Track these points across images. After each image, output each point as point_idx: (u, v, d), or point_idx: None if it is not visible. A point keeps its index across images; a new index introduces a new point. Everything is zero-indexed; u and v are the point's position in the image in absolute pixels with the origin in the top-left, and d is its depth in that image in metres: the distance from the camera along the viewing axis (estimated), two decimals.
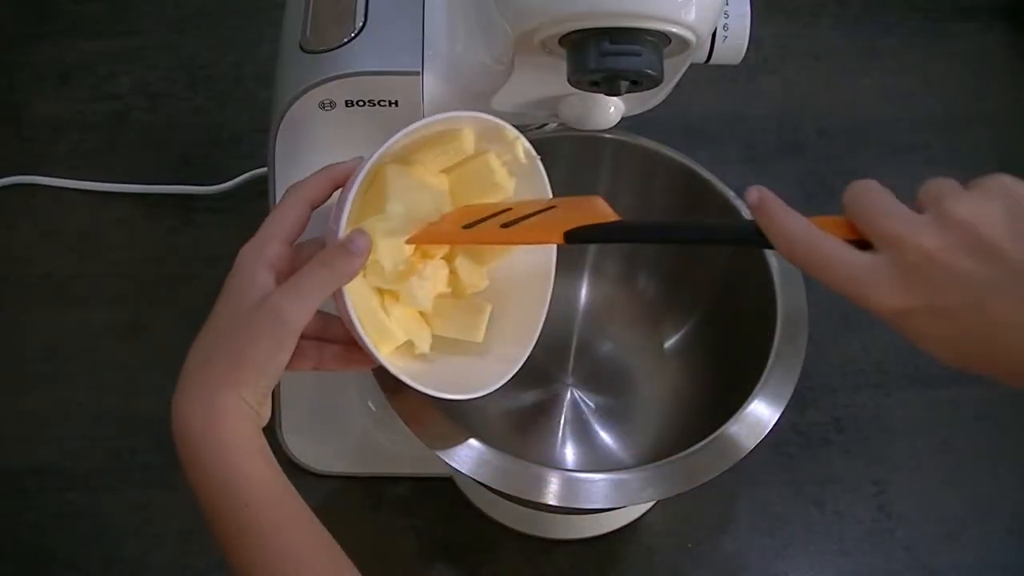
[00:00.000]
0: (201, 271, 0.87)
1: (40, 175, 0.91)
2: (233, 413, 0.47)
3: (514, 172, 0.56)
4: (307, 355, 0.52)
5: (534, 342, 0.59)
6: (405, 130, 0.50)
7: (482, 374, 0.57)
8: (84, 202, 0.91)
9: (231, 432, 0.47)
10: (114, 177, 0.91)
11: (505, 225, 0.51)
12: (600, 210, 0.52)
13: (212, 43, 1.01)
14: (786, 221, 0.44)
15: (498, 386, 0.56)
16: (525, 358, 0.58)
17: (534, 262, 0.59)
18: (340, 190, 0.52)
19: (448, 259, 0.57)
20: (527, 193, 0.57)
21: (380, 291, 0.54)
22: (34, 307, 0.85)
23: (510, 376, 0.57)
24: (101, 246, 0.88)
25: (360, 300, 0.51)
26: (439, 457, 0.58)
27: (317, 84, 0.54)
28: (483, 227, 0.51)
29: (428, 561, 0.74)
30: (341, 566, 0.48)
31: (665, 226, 0.52)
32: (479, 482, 0.57)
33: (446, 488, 0.76)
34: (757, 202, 0.45)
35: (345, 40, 0.55)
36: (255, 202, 0.90)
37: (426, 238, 0.53)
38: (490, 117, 0.53)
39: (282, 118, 0.56)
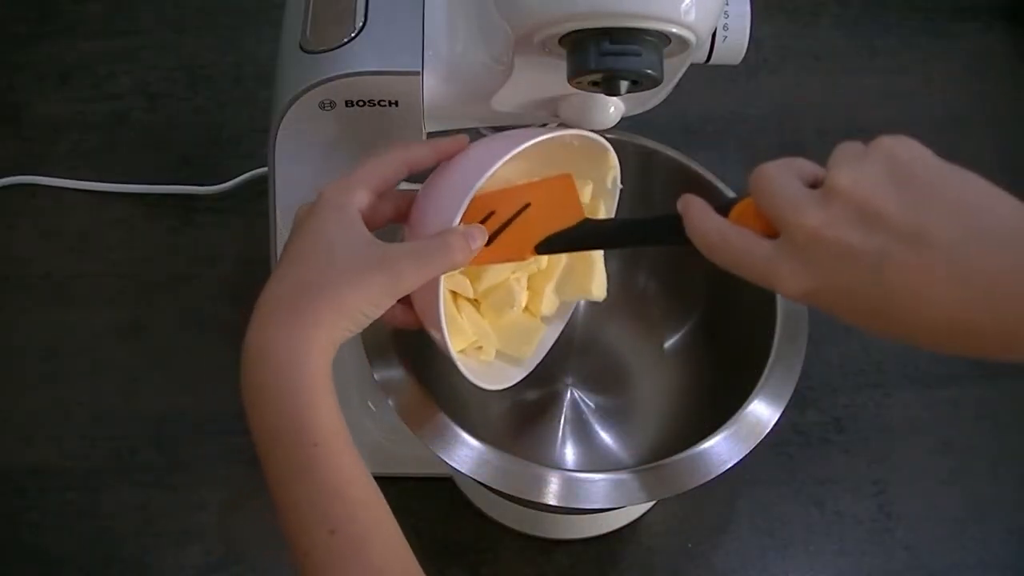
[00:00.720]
0: (201, 271, 0.87)
1: (40, 175, 0.91)
2: (318, 351, 0.47)
3: (597, 194, 0.58)
4: None
5: (543, 355, 0.61)
6: (539, 138, 0.51)
7: (497, 373, 0.59)
8: (84, 202, 0.91)
9: (314, 370, 0.47)
10: (114, 177, 0.91)
11: (488, 238, 0.52)
12: (567, 203, 0.55)
13: (212, 43, 1.01)
14: (702, 224, 0.46)
15: (507, 386, 0.59)
16: (533, 367, 0.60)
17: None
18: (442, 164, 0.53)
19: (535, 282, 0.60)
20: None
21: (453, 293, 0.57)
22: (34, 307, 0.85)
23: (518, 380, 0.59)
24: (101, 246, 0.88)
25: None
26: (439, 457, 0.58)
27: (317, 84, 0.54)
28: None
29: (428, 561, 0.73)
30: (386, 518, 0.48)
31: (613, 232, 0.57)
32: (479, 482, 0.57)
33: (446, 488, 0.76)
34: (682, 210, 0.47)
35: (345, 40, 0.55)
36: (255, 202, 0.90)
37: None
38: (605, 142, 0.56)
39: (282, 118, 0.56)
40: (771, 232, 0.44)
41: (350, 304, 0.48)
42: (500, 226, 0.53)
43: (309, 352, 0.47)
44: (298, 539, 0.46)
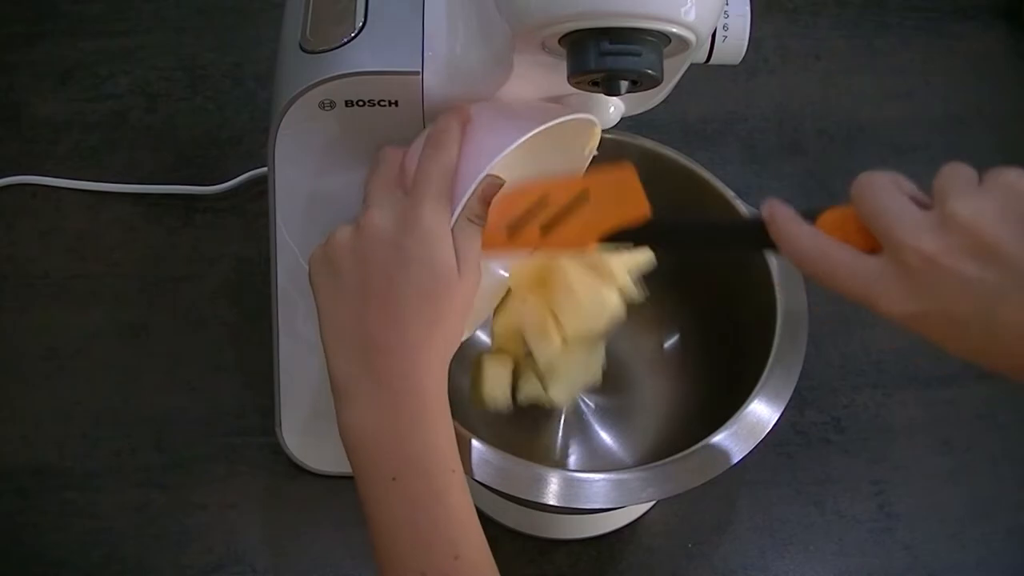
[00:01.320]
0: (201, 271, 0.87)
1: (40, 175, 0.91)
2: (440, 371, 0.49)
3: (569, 161, 0.58)
4: None
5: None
6: (546, 125, 0.51)
7: None
8: (84, 202, 0.91)
9: (438, 393, 0.49)
10: (114, 177, 0.91)
11: (544, 226, 0.52)
12: (628, 194, 0.53)
13: (212, 43, 1.01)
14: (795, 235, 0.45)
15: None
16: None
17: None
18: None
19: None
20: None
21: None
22: (34, 307, 0.85)
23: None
24: (101, 246, 0.88)
25: None
26: None
27: (317, 84, 0.54)
28: (526, 232, 0.53)
29: None
30: (488, 547, 0.49)
31: (688, 233, 0.55)
32: (479, 482, 0.57)
33: None
34: (768, 217, 0.46)
35: (345, 40, 0.55)
36: (255, 202, 0.90)
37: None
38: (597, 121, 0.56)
39: (282, 118, 0.56)
40: (867, 247, 0.43)
41: (463, 320, 0.50)
42: (557, 214, 0.52)
43: (444, 382, 0.49)
44: (413, 561, 0.47)
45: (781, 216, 0.45)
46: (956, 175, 0.42)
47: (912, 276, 0.41)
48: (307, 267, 0.52)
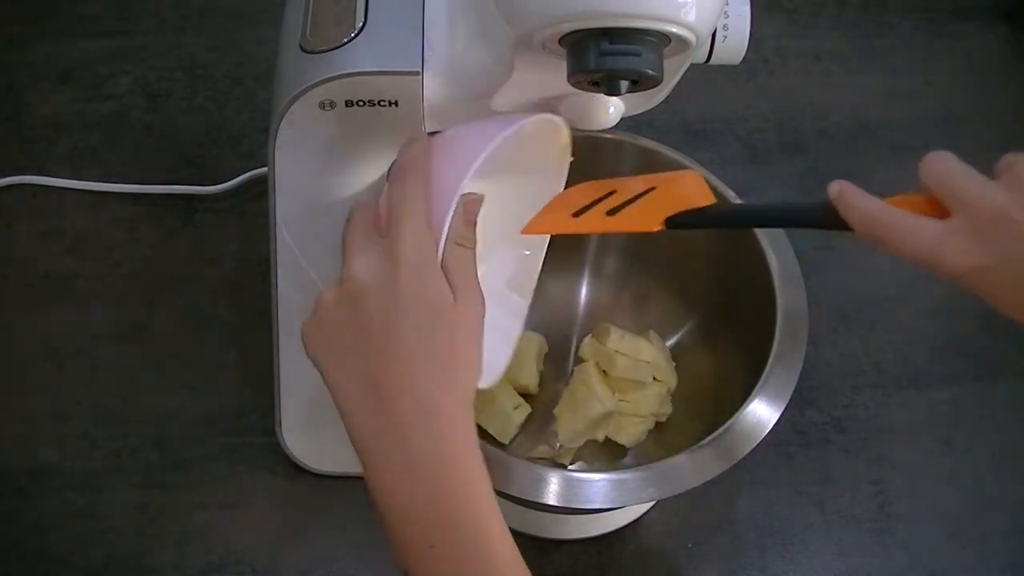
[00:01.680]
0: (201, 271, 0.87)
1: (40, 175, 0.91)
2: (468, 404, 0.49)
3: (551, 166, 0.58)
4: None
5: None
6: (508, 131, 0.50)
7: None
8: (84, 202, 0.91)
9: (472, 442, 0.48)
10: (114, 177, 0.91)
11: (610, 212, 0.53)
12: (694, 190, 0.54)
13: (212, 43, 1.01)
14: (862, 204, 0.47)
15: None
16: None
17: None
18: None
19: None
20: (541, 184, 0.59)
21: None
22: (34, 307, 0.85)
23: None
24: (101, 246, 0.88)
25: None
26: None
27: (317, 84, 0.54)
28: (589, 215, 0.54)
29: None
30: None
31: (753, 212, 0.57)
32: None
33: None
34: (837, 194, 0.48)
35: (345, 40, 0.55)
36: (255, 202, 0.90)
37: (539, 227, 0.55)
38: (559, 120, 0.56)
39: (282, 118, 0.56)
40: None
41: (474, 352, 0.49)
42: (624, 202, 0.53)
43: (462, 419, 0.48)
44: None
45: (848, 190, 0.48)
46: (1017, 154, 0.45)
47: (980, 230, 0.44)
48: (303, 327, 0.50)
